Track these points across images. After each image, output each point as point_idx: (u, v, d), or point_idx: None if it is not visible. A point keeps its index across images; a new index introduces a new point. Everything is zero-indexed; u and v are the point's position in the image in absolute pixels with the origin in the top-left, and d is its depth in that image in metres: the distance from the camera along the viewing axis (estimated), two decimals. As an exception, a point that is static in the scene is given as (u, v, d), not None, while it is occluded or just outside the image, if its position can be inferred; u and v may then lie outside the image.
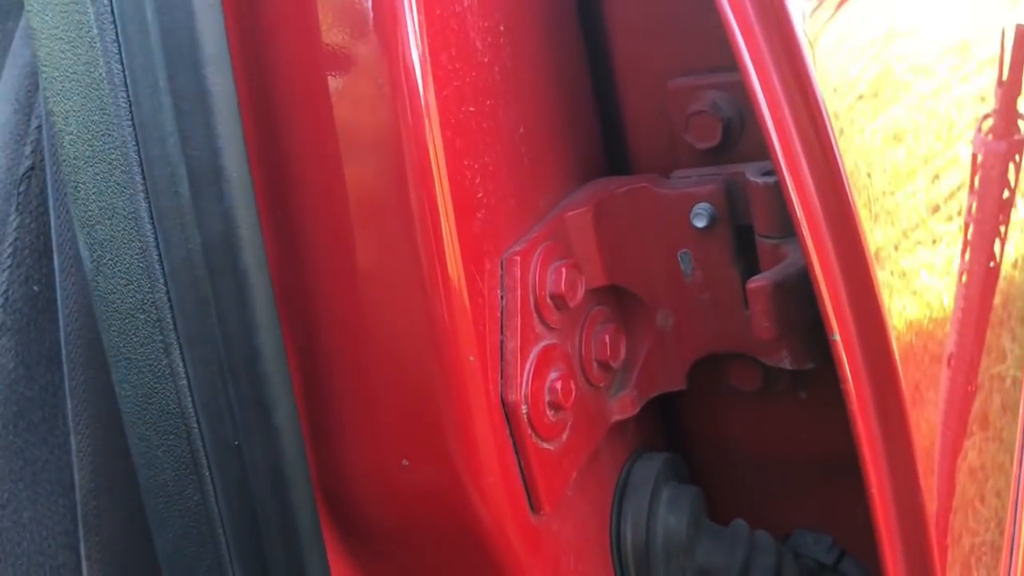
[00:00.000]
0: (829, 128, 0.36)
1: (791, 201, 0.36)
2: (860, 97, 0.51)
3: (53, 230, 0.51)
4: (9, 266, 0.55)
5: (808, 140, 0.37)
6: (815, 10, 0.47)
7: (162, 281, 0.36)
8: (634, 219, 0.44)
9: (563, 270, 0.41)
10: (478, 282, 0.39)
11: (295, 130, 0.37)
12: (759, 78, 0.37)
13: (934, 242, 0.61)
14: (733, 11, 0.36)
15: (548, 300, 0.41)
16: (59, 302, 0.51)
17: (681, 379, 0.47)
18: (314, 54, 0.36)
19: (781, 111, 0.36)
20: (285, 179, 0.37)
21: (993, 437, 0.74)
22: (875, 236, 0.45)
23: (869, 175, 0.48)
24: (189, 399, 0.38)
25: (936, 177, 0.64)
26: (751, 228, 0.43)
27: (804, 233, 0.36)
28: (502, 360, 0.39)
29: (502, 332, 0.39)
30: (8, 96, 0.58)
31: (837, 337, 0.37)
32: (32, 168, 0.55)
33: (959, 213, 0.68)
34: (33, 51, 0.42)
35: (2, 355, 0.52)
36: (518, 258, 0.40)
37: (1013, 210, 0.85)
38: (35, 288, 0.54)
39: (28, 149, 0.56)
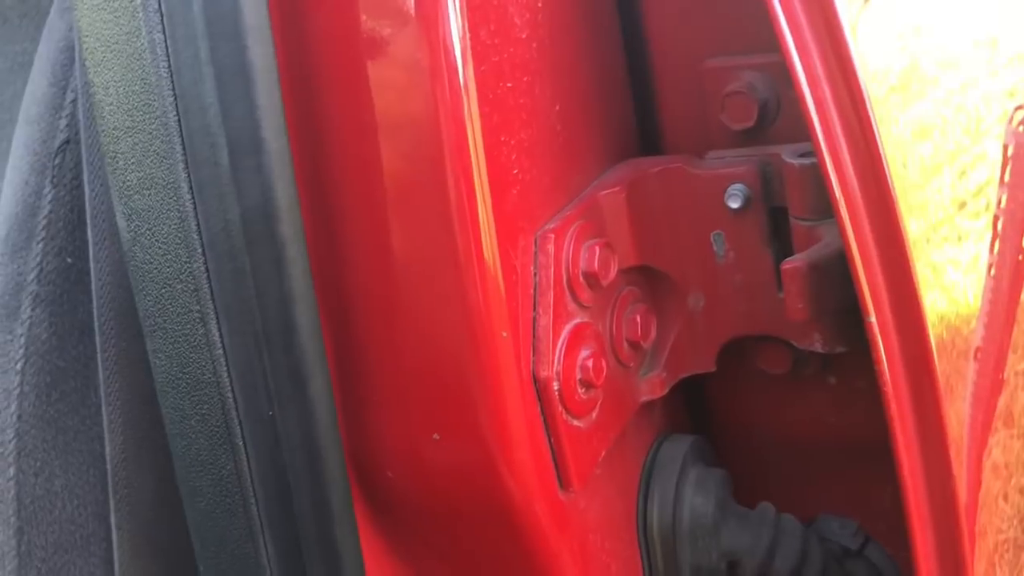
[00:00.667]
0: (870, 111, 0.36)
1: (830, 182, 0.36)
2: (892, 88, 0.51)
3: (88, 202, 0.51)
4: (43, 238, 0.55)
5: (849, 122, 0.36)
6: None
7: (200, 251, 0.37)
8: (667, 199, 0.44)
9: (596, 248, 0.41)
10: (512, 258, 0.39)
11: (333, 103, 0.37)
12: (800, 57, 0.37)
13: (960, 238, 0.61)
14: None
15: (581, 278, 0.41)
16: (92, 274, 0.51)
17: (711, 361, 0.47)
18: (353, 28, 0.36)
19: (822, 91, 0.36)
20: (323, 152, 0.37)
21: (1018, 435, 0.73)
22: (914, 226, 0.45)
23: (904, 166, 0.47)
24: (224, 369, 0.38)
25: (963, 173, 0.63)
26: (785, 210, 0.43)
27: (842, 214, 0.36)
28: (534, 337, 0.39)
29: (535, 309, 0.40)
30: (44, 69, 0.59)
31: (873, 319, 0.36)
32: (67, 141, 0.56)
33: (986, 209, 0.68)
34: (73, 22, 0.42)
35: (36, 326, 0.53)
36: (552, 235, 0.40)
37: None
38: (68, 260, 0.55)
39: (63, 122, 0.57)
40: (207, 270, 0.37)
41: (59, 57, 0.58)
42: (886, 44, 0.52)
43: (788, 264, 0.40)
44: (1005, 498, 0.68)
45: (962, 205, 0.62)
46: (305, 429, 0.38)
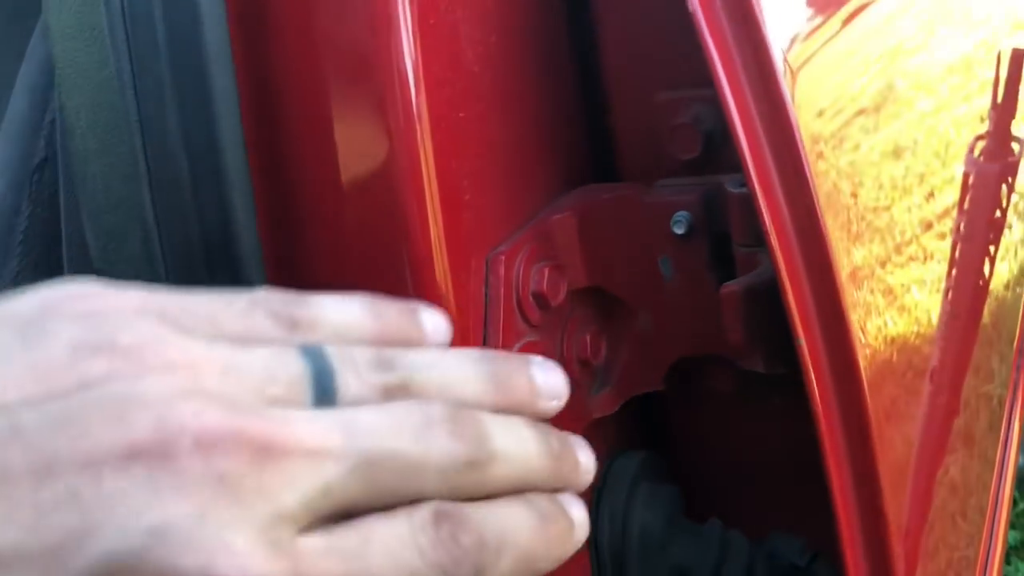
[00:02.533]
0: (800, 145, 0.38)
1: (759, 209, 0.38)
2: (861, 112, 0.53)
3: (63, 220, 0.53)
4: (19, 253, 0.57)
5: (780, 155, 0.38)
6: (810, 33, 0.49)
7: (163, 271, 0.38)
8: (618, 225, 0.46)
9: (546, 271, 0.43)
10: (463, 280, 0.41)
11: (293, 130, 0.39)
12: (733, 94, 0.39)
13: (926, 259, 0.63)
14: (711, 32, 0.38)
15: (531, 299, 0.43)
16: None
17: (659, 380, 0.48)
18: (312, 60, 0.38)
19: (753, 126, 0.38)
20: (281, 176, 0.39)
21: (978, 455, 0.75)
22: (855, 254, 0.47)
23: (855, 195, 0.49)
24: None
25: (931, 195, 0.65)
26: (729, 236, 0.45)
27: (772, 240, 0.38)
28: (484, 355, 0.41)
29: (485, 328, 0.41)
30: (25, 89, 0.61)
31: (802, 340, 0.38)
32: (46, 160, 0.58)
33: (952, 231, 0.70)
34: (49, 48, 0.44)
35: (10, 339, 0.54)
36: (503, 258, 0.42)
37: (1006, 230, 0.86)
38: (43, 276, 0.56)
39: (42, 143, 0.59)
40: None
41: (39, 79, 0.60)
42: (858, 69, 0.54)
43: (725, 288, 0.42)
44: (963, 516, 0.70)
45: (928, 226, 0.64)
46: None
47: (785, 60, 0.42)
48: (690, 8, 0.40)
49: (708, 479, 0.54)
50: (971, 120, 0.76)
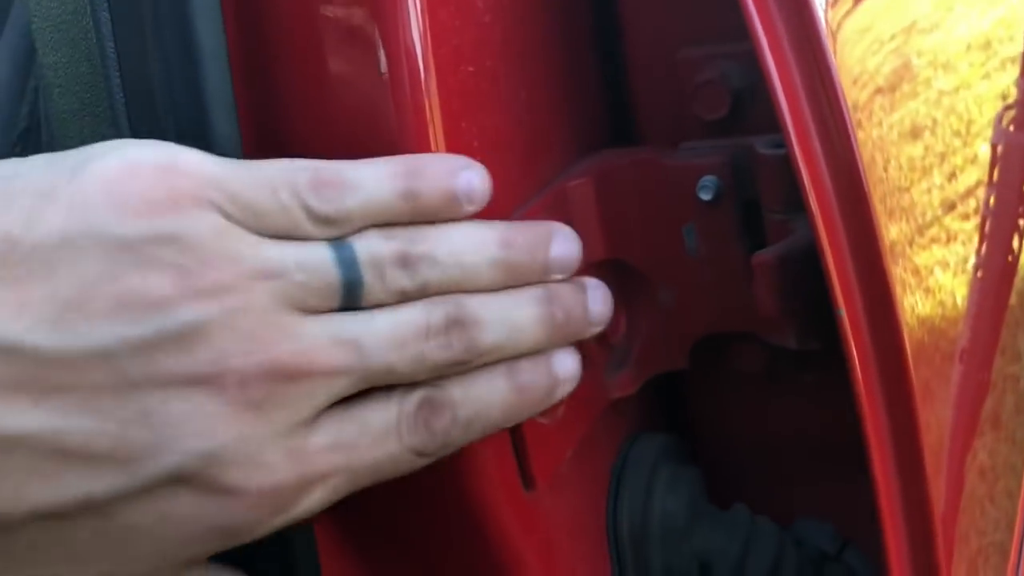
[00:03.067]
0: (843, 102, 0.35)
1: (799, 171, 0.35)
2: (878, 90, 0.50)
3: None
4: (4, 226, 0.54)
5: (821, 111, 0.35)
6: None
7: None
8: (638, 191, 0.43)
9: (562, 240, 0.40)
10: (473, 249, 0.38)
11: (286, 84, 0.36)
12: (770, 45, 0.35)
13: (948, 240, 0.60)
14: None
15: (545, 271, 0.40)
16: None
17: (683, 358, 0.45)
18: (307, 6, 0.35)
19: (793, 80, 0.35)
20: (275, 134, 0.36)
21: (1005, 438, 0.72)
22: (892, 230, 0.44)
23: (886, 170, 0.46)
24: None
25: (953, 175, 0.62)
26: (759, 203, 0.42)
27: (812, 204, 0.35)
28: (496, 331, 0.38)
29: (497, 301, 0.38)
30: (6, 56, 0.58)
31: (843, 311, 0.35)
32: (28, 129, 0.55)
33: (975, 211, 0.67)
34: (26, 4, 0.41)
35: None
36: (516, 226, 0.39)
37: None
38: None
39: (25, 110, 0.55)
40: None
41: (21, 44, 0.56)
42: (875, 46, 0.51)
43: (758, 257, 0.39)
44: (992, 501, 0.67)
45: (951, 207, 0.61)
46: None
47: (826, 19, 0.39)
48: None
49: (733, 462, 0.51)
50: (992, 99, 0.73)
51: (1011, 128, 0.76)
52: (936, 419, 0.50)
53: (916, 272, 0.51)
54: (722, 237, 0.42)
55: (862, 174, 0.36)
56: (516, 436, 0.39)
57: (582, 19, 0.45)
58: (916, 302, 0.49)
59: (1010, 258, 0.74)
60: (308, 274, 0.31)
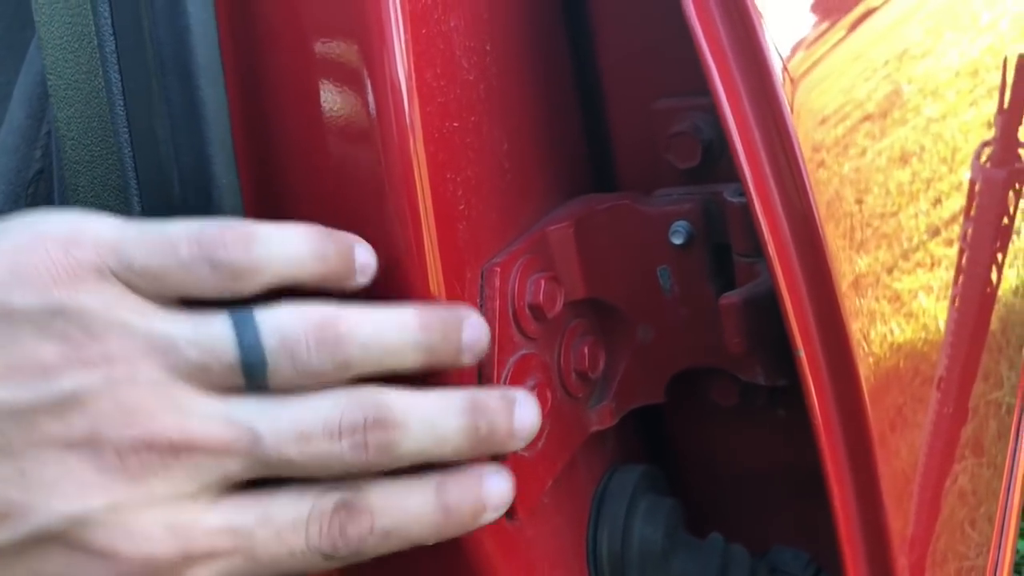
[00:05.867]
0: (799, 155, 0.38)
1: (757, 220, 0.37)
2: (867, 117, 0.52)
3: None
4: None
5: (778, 165, 0.38)
6: (814, 40, 0.48)
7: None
8: (615, 235, 0.45)
9: (542, 282, 0.43)
10: (458, 291, 0.40)
11: (283, 138, 0.38)
12: (730, 103, 0.38)
13: (933, 265, 0.62)
14: (707, 39, 0.38)
15: (527, 310, 0.42)
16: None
17: (660, 392, 0.48)
18: (303, 68, 0.37)
19: (751, 135, 0.37)
20: (273, 186, 0.39)
21: (987, 464, 0.74)
22: (860, 262, 0.46)
23: (860, 201, 0.49)
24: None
25: (938, 201, 0.64)
26: (728, 247, 0.44)
27: (770, 251, 0.37)
28: (479, 367, 0.40)
29: (480, 341, 0.41)
30: (22, 101, 0.61)
31: (801, 352, 0.38)
32: (41, 172, 0.57)
33: (960, 238, 0.69)
34: (42, 59, 0.43)
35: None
36: (498, 269, 0.41)
37: (1013, 237, 0.85)
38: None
39: (38, 153, 0.58)
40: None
41: (36, 90, 0.59)
42: (867, 72, 0.53)
43: (725, 299, 0.42)
44: (972, 525, 0.69)
45: (936, 232, 0.63)
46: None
47: (785, 69, 0.42)
48: (686, 15, 0.39)
49: (710, 492, 0.53)
50: (978, 125, 0.75)
51: (988, 164, 0.78)
52: (908, 445, 0.52)
53: (897, 298, 0.53)
54: (694, 279, 0.45)
55: (818, 221, 0.38)
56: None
57: (562, 71, 0.48)
58: (894, 328, 0.51)
59: (988, 289, 0.76)
60: (202, 351, 0.31)
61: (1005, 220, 0.82)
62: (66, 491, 0.30)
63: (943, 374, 0.61)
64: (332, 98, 0.38)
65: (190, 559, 0.31)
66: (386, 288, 0.39)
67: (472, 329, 0.35)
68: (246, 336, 0.31)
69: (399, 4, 0.37)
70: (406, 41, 0.37)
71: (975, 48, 0.77)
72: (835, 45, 0.50)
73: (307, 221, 0.39)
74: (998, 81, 0.80)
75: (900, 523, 0.46)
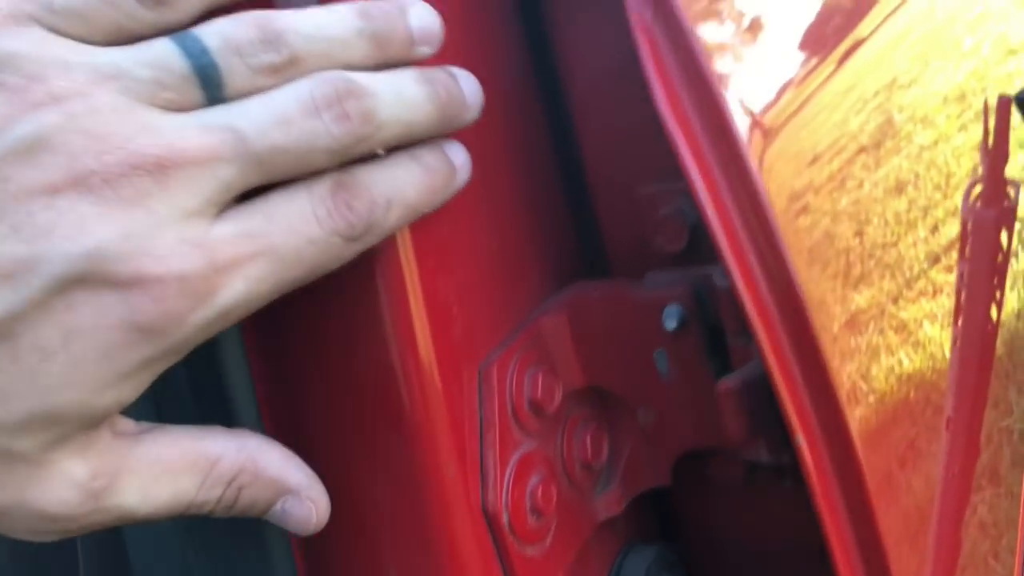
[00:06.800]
0: (778, 235, 0.38)
1: (743, 306, 0.38)
2: (862, 149, 0.53)
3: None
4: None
5: (761, 251, 0.38)
6: (803, 78, 0.49)
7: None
8: (609, 321, 0.46)
9: (539, 376, 0.43)
10: (455, 395, 0.41)
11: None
12: (706, 187, 0.39)
13: (935, 292, 0.62)
14: (679, 124, 0.39)
15: (526, 407, 0.42)
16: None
17: (666, 475, 0.48)
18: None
19: (731, 221, 0.38)
20: (274, 325, 0.39)
21: (1005, 493, 0.73)
22: (860, 297, 0.46)
23: (860, 233, 0.49)
24: None
25: (935, 228, 0.65)
26: (722, 327, 0.44)
27: (760, 338, 0.38)
28: (482, 469, 0.41)
29: (481, 441, 0.41)
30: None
31: (800, 438, 0.38)
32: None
33: (956, 279, 0.69)
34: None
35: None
36: (495, 368, 0.42)
37: (1010, 267, 0.85)
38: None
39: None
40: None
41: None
42: (858, 104, 0.54)
43: (722, 385, 0.42)
44: (995, 557, 0.68)
45: (936, 260, 0.63)
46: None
47: (760, 125, 0.42)
48: (655, 101, 0.40)
49: (722, 567, 0.53)
50: (969, 150, 0.75)
51: (978, 205, 0.79)
52: (923, 478, 0.51)
53: (903, 327, 0.53)
54: (691, 361, 0.45)
55: (804, 304, 0.38)
56: (507, 568, 0.41)
57: (547, 163, 0.48)
58: (903, 358, 0.51)
59: (989, 327, 0.76)
60: (153, 68, 0.30)
61: (1000, 258, 0.82)
62: (69, 233, 0.28)
63: (950, 415, 0.61)
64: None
65: (219, 269, 0.30)
66: (384, 396, 0.39)
67: (419, 15, 0.35)
68: (189, 45, 0.30)
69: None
70: None
71: (960, 73, 0.78)
72: (826, 80, 0.51)
73: (300, 347, 0.40)
74: (983, 105, 0.81)
75: (916, 562, 0.45)
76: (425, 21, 0.35)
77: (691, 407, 0.46)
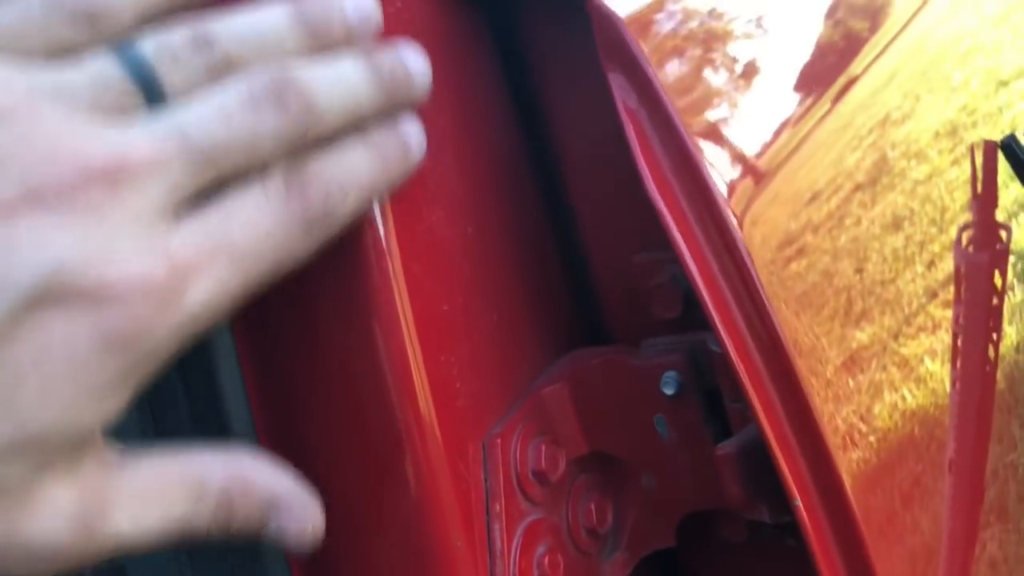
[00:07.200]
0: (766, 302, 0.39)
1: (736, 372, 0.39)
2: (858, 187, 0.54)
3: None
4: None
5: (747, 312, 0.40)
6: (799, 118, 0.50)
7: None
8: (609, 388, 0.47)
9: (543, 447, 0.44)
10: (461, 467, 0.42)
11: (280, 335, 0.40)
12: (693, 255, 0.40)
13: (935, 328, 0.63)
14: (663, 195, 0.40)
15: (530, 477, 0.43)
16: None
17: (670, 536, 0.48)
18: (302, 291, 0.40)
19: (720, 291, 0.40)
20: (285, 405, 0.41)
21: (1013, 529, 0.73)
22: (862, 334, 0.47)
23: (860, 271, 0.50)
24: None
25: (932, 263, 0.66)
26: (720, 391, 0.45)
27: (755, 405, 0.39)
28: (489, 540, 0.42)
29: (488, 513, 0.42)
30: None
31: (798, 502, 0.39)
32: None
33: (952, 323, 0.70)
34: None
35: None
36: (499, 440, 0.43)
37: (1007, 301, 0.85)
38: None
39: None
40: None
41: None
42: (854, 142, 0.55)
43: (720, 451, 0.43)
44: (1008, 594, 0.68)
45: (934, 295, 0.64)
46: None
47: (753, 171, 0.44)
48: (643, 181, 0.41)
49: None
50: (962, 184, 0.77)
51: (970, 249, 0.80)
52: (930, 516, 0.52)
53: (905, 363, 0.53)
54: (690, 425, 0.46)
55: (796, 369, 0.40)
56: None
57: (543, 235, 0.50)
58: (906, 394, 0.52)
59: (988, 368, 0.77)
60: (93, 80, 0.30)
61: (995, 300, 0.83)
62: (26, 251, 0.28)
63: (953, 457, 0.61)
64: (329, 300, 0.40)
65: (181, 272, 0.30)
66: (389, 471, 0.40)
67: (354, 2, 0.34)
68: (126, 55, 0.31)
69: (387, 209, 0.39)
70: (394, 242, 0.39)
71: (951, 108, 0.79)
72: (821, 119, 0.53)
73: (311, 417, 0.41)
74: (974, 138, 0.82)
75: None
76: (361, 6, 0.35)
77: (692, 470, 0.47)
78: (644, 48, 0.42)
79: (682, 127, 0.40)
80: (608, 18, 0.41)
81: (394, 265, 0.40)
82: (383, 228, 0.39)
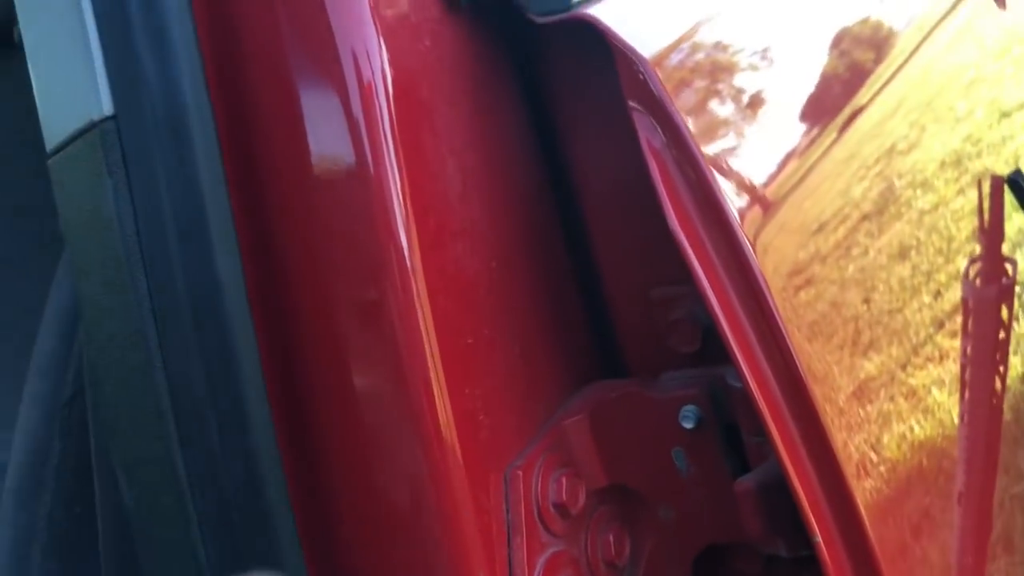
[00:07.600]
0: (787, 337, 0.40)
1: (758, 408, 0.39)
2: (865, 217, 0.54)
3: (93, 454, 0.55)
4: (52, 488, 0.58)
5: (769, 351, 0.40)
6: (807, 147, 0.50)
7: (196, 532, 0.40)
8: (628, 421, 0.47)
9: (564, 480, 0.44)
10: (484, 500, 0.42)
11: (314, 386, 0.41)
12: (716, 296, 0.41)
13: (942, 358, 0.63)
14: (684, 231, 0.41)
15: (551, 509, 0.44)
16: (99, 523, 0.54)
17: (687, 570, 0.49)
18: (332, 327, 0.40)
19: (739, 322, 0.40)
20: (303, 415, 0.41)
21: (1020, 561, 0.73)
22: (870, 363, 0.47)
23: (868, 300, 0.50)
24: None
25: (938, 293, 0.66)
26: (738, 425, 0.46)
27: (777, 442, 0.39)
28: (511, 571, 0.42)
29: (509, 544, 0.42)
30: (53, 324, 0.64)
31: (819, 539, 0.39)
32: (75, 395, 0.60)
33: (960, 356, 0.70)
34: (74, 287, 0.46)
35: (47, 576, 0.55)
36: (520, 472, 0.43)
37: (1012, 333, 0.86)
38: (77, 510, 0.58)
39: (71, 376, 0.61)
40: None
41: (66, 313, 0.62)
42: (860, 171, 0.55)
43: (739, 486, 0.43)
44: (1015, 626, 0.68)
45: (941, 325, 0.64)
46: None
47: (761, 200, 0.44)
48: (667, 220, 0.42)
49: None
50: (968, 214, 0.77)
51: (978, 282, 0.80)
52: (939, 548, 0.52)
53: (913, 394, 0.54)
54: (709, 459, 0.46)
55: (817, 406, 0.40)
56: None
57: (563, 269, 0.51)
58: (914, 425, 0.52)
59: (995, 400, 0.77)
60: None
61: (1002, 334, 0.83)
62: None
63: (962, 491, 0.62)
64: (361, 339, 0.40)
65: None
66: (414, 503, 0.41)
67: None
68: None
69: (414, 243, 0.40)
70: (421, 278, 0.40)
71: (956, 138, 0.79)
72: (827, 150, 0.53)
73: (338, 443, 0.42)
74: (979, 167, 0.82)
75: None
76: None
77: (710, 504, 0.47)
78: (667, 87, 0.43)
79: (708, 170, 0.41)
80: (632, 57, 0.42)
81: (421, 300, 0.40)
82: (411, 263, 0.40)
